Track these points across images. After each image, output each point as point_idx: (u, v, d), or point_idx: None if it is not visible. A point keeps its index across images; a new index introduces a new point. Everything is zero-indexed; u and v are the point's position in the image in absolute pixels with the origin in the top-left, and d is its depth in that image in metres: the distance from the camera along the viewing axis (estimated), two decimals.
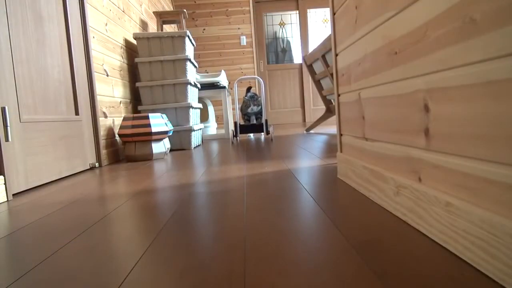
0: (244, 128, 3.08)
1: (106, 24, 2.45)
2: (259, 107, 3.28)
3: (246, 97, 3.29)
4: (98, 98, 2.22)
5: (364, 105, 1.01)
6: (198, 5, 5.38)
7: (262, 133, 3.14)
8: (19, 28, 1.53)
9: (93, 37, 2.22)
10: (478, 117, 0.52)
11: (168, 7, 4.86)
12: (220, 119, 5.44)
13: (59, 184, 1.63)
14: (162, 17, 3.68)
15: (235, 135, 3.06)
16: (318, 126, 4.48)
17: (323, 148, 2.22)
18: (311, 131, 3.73)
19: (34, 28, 1.64)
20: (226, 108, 3.70)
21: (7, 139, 1.39)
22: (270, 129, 3.01)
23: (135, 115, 2.30)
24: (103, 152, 2.24)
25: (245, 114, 3.34)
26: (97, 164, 2.15)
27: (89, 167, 2.08)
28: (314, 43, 5.76)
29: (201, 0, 5.38)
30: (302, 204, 0.96)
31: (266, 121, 3.04)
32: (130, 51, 2.93)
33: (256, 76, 2.99)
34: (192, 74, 3.11)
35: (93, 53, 2.19)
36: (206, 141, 3.65)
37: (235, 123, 3.05)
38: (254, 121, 3.35)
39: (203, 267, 0.61)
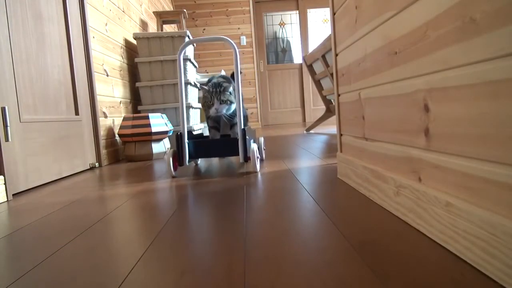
0: (197, 148, 1.56)
1: (106, 24, 2.45)
2: (231, 107, 1.68)
3: (207, 87, 1.68)
4: (98, 98, 2.22)
5: (364, 105, 1.01)
6: (198, 5, 5.38)
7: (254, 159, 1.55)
8: (19, 28, 1.53)
9: (93, 37, 2.22)
10: (478, 117, 0.52)
11: (168, 7, 4.86)
12: None
13: (59, 184, 1.63)
14: (162, 17, 3.67)
15: (179, 162, 1.54)
16: (318, 126, 4.48)
17: (323, 148, 2.22)
18: (311, 131, 3.73)
19: (34, 28, 1.64)
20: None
21: (7, 139, 1.39)
22: (253, 146, 1.52)
23: (135, 115, 2.30)
24: (103, 152, 2.24)
25: (208, 118, 1.79)
26: (97, 164, 2.15)
27: (89, 167, 2.08)
28: (314, 43, 5.76)
29: (201, 0, 5.38)
30: (302, 204, 0.96)
31: (244, 132, 1.50)
32: (130, 51, 2.93)
33: (222, 36, 1.47)
34: (192, 74, 3.11)
35: (93, 53, 2.19)
36: None
37: (178, 137, 1.53)
38: (228, 131, 1.79)
39: (203, 267, 0.61)
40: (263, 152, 1.89)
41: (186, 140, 1.54)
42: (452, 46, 0.57)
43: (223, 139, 1.57)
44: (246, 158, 1.52)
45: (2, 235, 0.89)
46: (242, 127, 1.53)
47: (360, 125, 1.06)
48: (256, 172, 1.51)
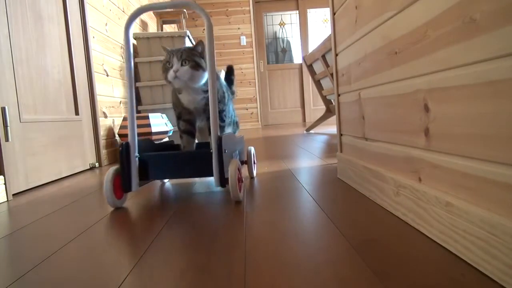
0: (151, 166, 1.09)
1: (106, 24, 2.45)
2: (200, 75, 1.15)
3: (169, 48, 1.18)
4: (98, 98, 2.22)
5: (364, 105, 1.01)
6: (198, 5, 5.38)
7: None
8: (19, 28, 1.53)
9: (93, 37, 2.22)
10: (478, 117, 0.52)
11: None
12: None
13: (59, 184, 1.63)
14: (162, 17, 3.67)
15: (123, 187, 1.06)
16: (318, 126, 4.48)
17: (323, 148, 2.22)
18: (311, 131, 3.74)
19: (34, 28, 1.64)
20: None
21: (7, 139, 1.39)
22: (234, 164, 1.03)
23: (135, 115, 2.30)
24: (103, 152, 2.24)
25: (179, 118, 1.28)
26: (97, 164, 2.15)
27: (89, 167, 2.08)
28: (314, 43, 5.76)
29: (201, 0, 5.37)
30: (302, 204, 0.96)
31: (220, 142, 1.02)
32: None
33: (184, 1, 1.07)
34: None
35: (93, 53, 2.19)
36: None
37: (122, 150, 1.05)
38: (208, 137, 1.32)
39: (203, 267, 0.61)
40: (254, 167, 1.43)
41: (135, 154, 1.06)
42: (452, 46, 0.57)
43: (188, 153, 1.06)
44: (223, 182, 1.02)
45: (2, 235, 0.89)
46: (218, 133, 1.03)
47: (360, 125, 1.06)
48: (239, 201, 1.05)
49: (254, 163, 1.44)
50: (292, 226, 0.79)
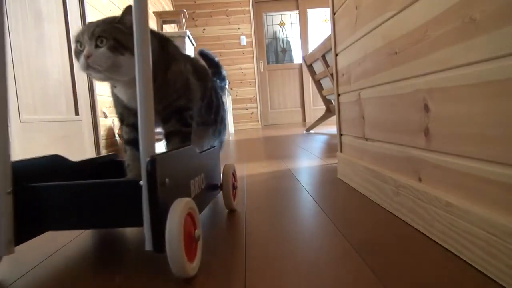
0: (40, 206, 0.59)
1: None
2: (127, 61, 0.68)
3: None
4: (98, 98, 2.22)
5: (364, 105, 1.01)
6: (198, 5, 5.38)
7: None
8: (19, 28, 1.53)
9: None
10: (478, 117, 0.52)
11: (168, 7, 4.86)
12: None
13: None
14: (162, 17, 3.67)
15: None
16: (318, 126, 4.48)
17: (323, 148, 2.22)
18: (311, 131, 3.74)
19: (34, 28, 1.64)
20: (226, 109, 3.69)
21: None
22: (178, 210, 0.54)
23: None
24: (103, 152, 2.24)
25: (121, 118, 0.82)
26: None
27: None
28: (314, 43, 5.76)
29: (201, 0, 5.38)
30: (302, 204, 0.96)
31: (154, 167, 0.52)
32: None
33: None
34: None
35: None
36: None
37: None
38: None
39: (203, 267, 0.61)
40: (234, 194, 0.96)
41: (6, 188, 0.61)
42: (452, 46, 0.57)
43: (100, 185, 0.60)
44: (157, 243, 0.54)
45: None
46: (154, 151, 0.56)
47: (360, 125, 1.06)
48: (187, 278, 0.57)
49: (234, 188, 0.96)
50: (292, 226, 0.79)
